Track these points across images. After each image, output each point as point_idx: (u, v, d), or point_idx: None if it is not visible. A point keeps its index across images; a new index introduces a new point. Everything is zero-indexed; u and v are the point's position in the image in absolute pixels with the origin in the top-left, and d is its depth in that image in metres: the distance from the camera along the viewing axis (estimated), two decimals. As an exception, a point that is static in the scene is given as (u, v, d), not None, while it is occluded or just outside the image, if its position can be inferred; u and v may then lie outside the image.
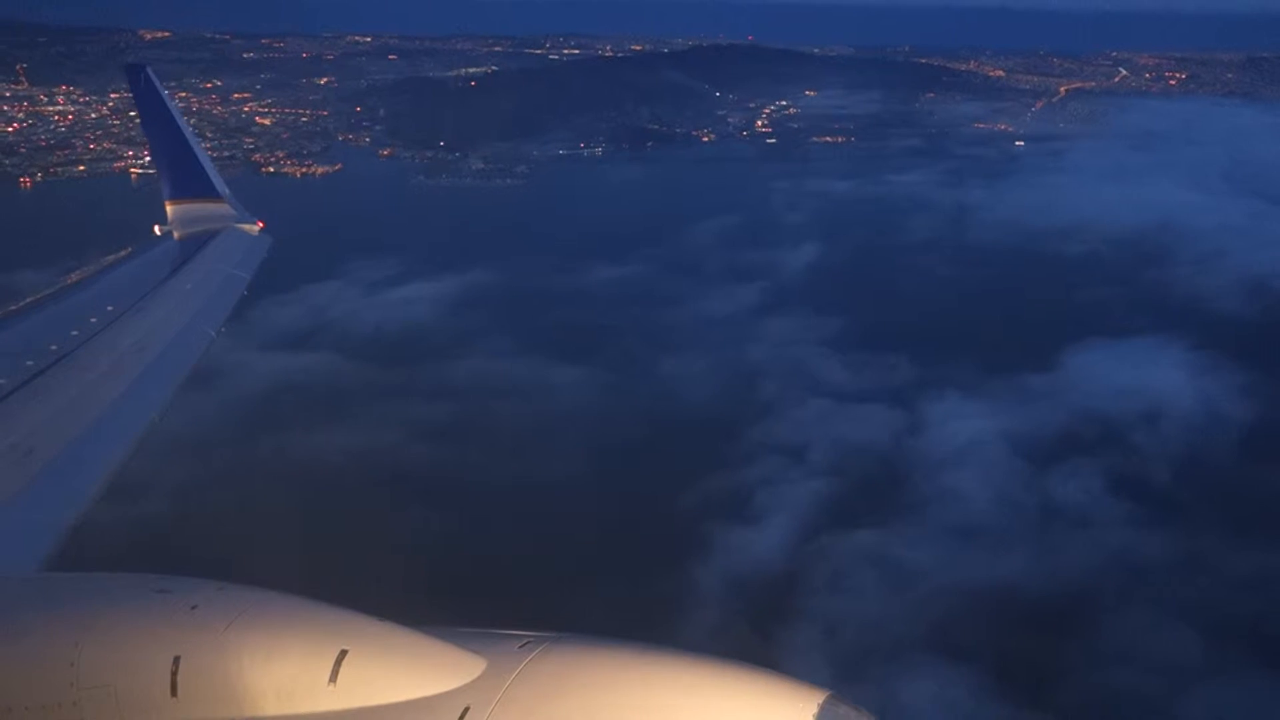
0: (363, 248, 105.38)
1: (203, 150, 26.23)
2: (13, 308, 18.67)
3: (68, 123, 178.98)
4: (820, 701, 5.58)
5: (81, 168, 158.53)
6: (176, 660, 6.70)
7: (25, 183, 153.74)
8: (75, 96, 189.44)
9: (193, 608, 7.00)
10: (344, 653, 6.48)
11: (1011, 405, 75.77)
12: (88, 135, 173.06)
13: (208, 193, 25.27)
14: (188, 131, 26.26)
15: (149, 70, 25.66)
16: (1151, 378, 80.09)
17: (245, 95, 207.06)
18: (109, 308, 18.31)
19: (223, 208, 25.14)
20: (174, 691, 6.68)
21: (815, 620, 52.04)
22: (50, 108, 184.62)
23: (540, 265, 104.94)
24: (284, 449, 64.02)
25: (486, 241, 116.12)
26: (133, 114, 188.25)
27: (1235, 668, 49.88)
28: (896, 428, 72.36)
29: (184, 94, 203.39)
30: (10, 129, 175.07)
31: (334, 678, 6.44)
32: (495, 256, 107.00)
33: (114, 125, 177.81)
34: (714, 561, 55.89)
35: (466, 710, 6.09)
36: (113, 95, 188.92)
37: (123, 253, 22.85)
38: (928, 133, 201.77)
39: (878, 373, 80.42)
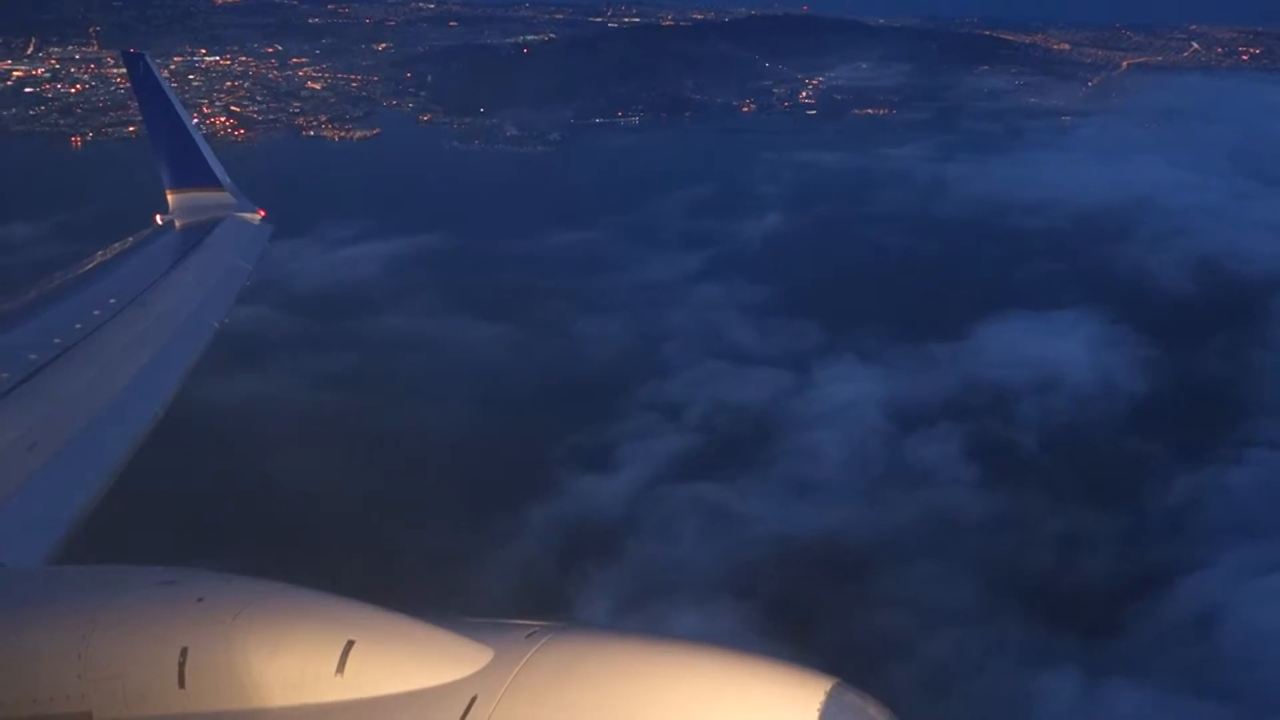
0: (347, 210, 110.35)
1: (202, 138, 26.56)
2: (15, 301, 18.71)
3: (128, 85, 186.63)
4: (827, 689, 5.71)
5: (132, 129, 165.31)
6: (184, 652, 6.79)
7: (76, 142, 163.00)
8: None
9: (199, 600, 7.10)
10: (351, 643, 6.58)
11: (904, 371, 79.37)
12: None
13: (208, 181, 25.53)
14: (187, 120, 26.69)
15: (148, 58, 26.34)
16: (1055, 350, 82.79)
17: (303, 60, 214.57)
18: (111, 300, 18.34)
19: (223, 196, 25.44)
20: (181, 683, 6.77)
21: (624, 560, 56.66)
22: (115, 70, 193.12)
23: (513, 231, 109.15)
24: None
25: (480, 206, 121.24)
26: (191, 77, 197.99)
27: (998, 616, 54.02)
28: (780, 389, 76.44)
29: (245, 58, 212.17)
30: (74, 90, 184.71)
31: (341, 668, 6.52)
32: (473, 221, 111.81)
33: (171, 88, 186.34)
34: (553, 506, 60.63)
35: (474, 700, 6.17)
36: (176, 59, 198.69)
37: (125, 242, 23.08)
38: (969, 107, 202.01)
39: (785, 338, 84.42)
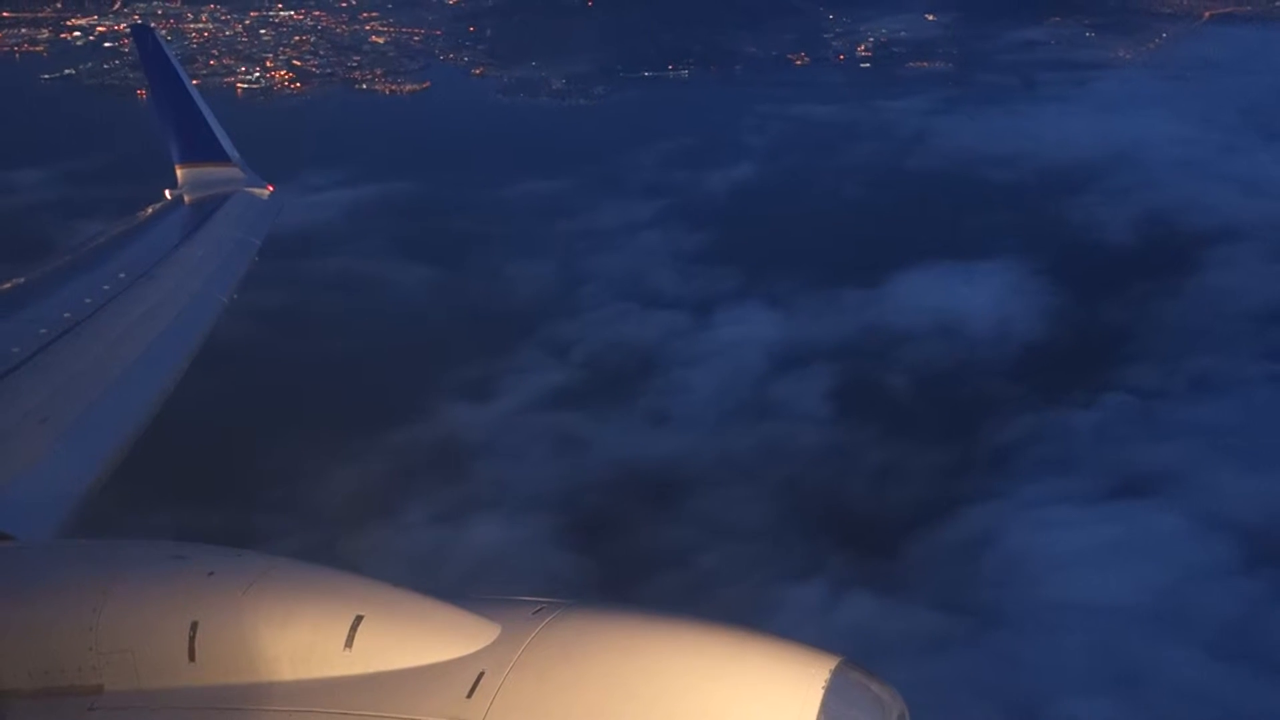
0: (344, 162, 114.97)
1: (211, 112, 26.45)
2: (25, 277, 18.83)
3: (202, 40, 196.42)
4: (832, 667, 5.87)
5: (196, 82, 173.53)
6: (194, 625, 6.94)
7: (141, 94, 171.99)
8: (219, 14, 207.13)
9: (210, 574, 7.23)
10: (359, 618, 6.72)
11: (803, 315, 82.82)
12: (214, 51, 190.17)
13: (217, 156, 25.67)
14: (195, 93, 26.68)
15: (156, 33, 27.04)
16: (961, 298, 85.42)
17: (373, 14, 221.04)
18: (121, 274, 18.56)
19: (232, 171, 25.57)
20: (192, 656, 6.94)
21: (460, 479, 62.02)
22: (193, 25, 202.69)
23: (493, 181, 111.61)
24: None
25: (480, 160, 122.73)
26: (262, 32, 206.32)
27: (783, 536, 58.98)
28: (673, 330, 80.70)
29: (318, 12, 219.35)
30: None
31: (349, 643, 6.66)
32: (462, 174, 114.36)
33: (241, 43, 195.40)
34: (418, 429, 66.44)
35: (481, 675, 6.31)
36: (251, 14, 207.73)
37: (133, 217, 23.35)
38: (1022, 61, 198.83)
39: (701, 282, 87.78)
